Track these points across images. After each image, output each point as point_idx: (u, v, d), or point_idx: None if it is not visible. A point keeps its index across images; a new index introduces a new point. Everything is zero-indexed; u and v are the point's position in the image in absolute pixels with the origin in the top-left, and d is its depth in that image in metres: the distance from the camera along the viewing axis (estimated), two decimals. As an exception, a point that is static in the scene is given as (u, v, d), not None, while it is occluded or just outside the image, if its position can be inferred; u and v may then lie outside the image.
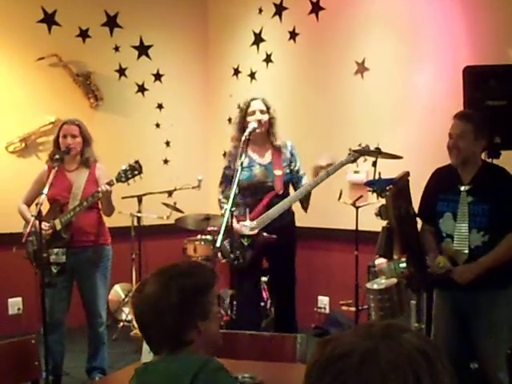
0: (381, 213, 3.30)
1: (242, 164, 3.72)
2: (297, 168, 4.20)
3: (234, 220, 3.71)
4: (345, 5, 5.29)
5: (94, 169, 4.13)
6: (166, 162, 6.35)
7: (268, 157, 4.16)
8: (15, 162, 5.53)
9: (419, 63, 4.80)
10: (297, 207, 4.21)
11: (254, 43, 6.05)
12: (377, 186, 3.39)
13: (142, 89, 6.23)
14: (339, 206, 4.69)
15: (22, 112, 5.56)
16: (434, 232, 3.24)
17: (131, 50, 6.16)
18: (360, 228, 4.47)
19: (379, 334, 0.90)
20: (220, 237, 3.39)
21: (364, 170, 4.94)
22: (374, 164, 3.79)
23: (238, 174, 3.65)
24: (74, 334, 4.41)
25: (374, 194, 3.50)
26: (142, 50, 6.21)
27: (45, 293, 3.55)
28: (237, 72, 6.25)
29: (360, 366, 0.86)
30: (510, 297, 3.10)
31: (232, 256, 3.67)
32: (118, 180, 3.87)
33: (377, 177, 3.62)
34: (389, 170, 3.59)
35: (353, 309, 4.64)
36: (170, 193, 5.72)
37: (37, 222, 3.55)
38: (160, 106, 6.33)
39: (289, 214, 4.16)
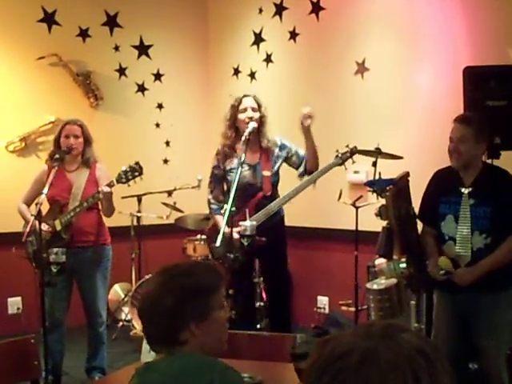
0: (381, 213, 3.30)
1: (242, 164, 3.71)
2: (293, 152, 4.11)
3: (234, 231, 3.64)
4: (345, 5, 5.28)
5: (94, 169, 4.12)
6: (165, 161, 6.34)
7: (256, 157, 4.08)
8: (15, 162, 5.53)
9: (419, 63, 4.79)
10: (289, 206, 4.18)
11: (254, 43, 6.05)
12: (377, 186, 3.39)
13: (142, 88, 6.23)
14: (339, 206, 4.68)
15: (22, 111, 5.55)
16: (435, 235, 3.23)
17: (131, 49, 6.15)
18: (360, 228, 4.46)
19: (379, 334, 0.90)
20: (220, 237, 3.39)
21: (364, 170, 4.93)
22: (374, 164, 3.80)
23: (238, 172, 3.64)
24: (74, 333, 4.41)
25: (374, 194, 3.50)
26: (142, 49, 6.21)
27: (44, 292, 3.55)
28: (237, 72, 6.24)
29: (359, 365, 0.86)
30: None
31: (232, 256, 3.64)
32: (119, 181, 3.86)
33: (377, 177, 3.63)
34: (389, 170, 3.59)
35: (352, 309, 4.63)
36: (169, 192, 5.71)
37: (36, 222, 3.55)
38: (160, 106, 6.32)
39: (278, 213, 4.09)
